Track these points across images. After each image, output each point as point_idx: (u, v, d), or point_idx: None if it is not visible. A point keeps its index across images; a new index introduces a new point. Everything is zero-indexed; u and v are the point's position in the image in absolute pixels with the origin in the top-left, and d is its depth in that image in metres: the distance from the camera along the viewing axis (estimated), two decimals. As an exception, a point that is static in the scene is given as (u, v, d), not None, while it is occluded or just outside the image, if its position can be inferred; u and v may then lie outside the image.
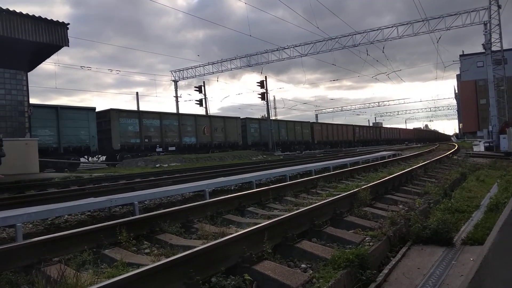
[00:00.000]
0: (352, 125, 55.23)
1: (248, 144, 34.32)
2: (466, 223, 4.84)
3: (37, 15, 12.52)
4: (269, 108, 38.70)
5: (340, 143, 49.05)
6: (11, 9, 11.95)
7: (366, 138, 57.56)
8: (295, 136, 40.64)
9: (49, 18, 12.85)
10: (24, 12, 12.24)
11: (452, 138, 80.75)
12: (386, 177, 8.21)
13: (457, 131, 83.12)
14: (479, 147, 25.97)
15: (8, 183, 11.05)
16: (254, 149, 33.15)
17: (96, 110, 22.43)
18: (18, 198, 8.02)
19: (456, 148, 24.25)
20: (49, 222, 5.94)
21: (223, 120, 32.08)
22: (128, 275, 2.53)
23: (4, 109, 15.51)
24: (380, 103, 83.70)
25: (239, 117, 34.11)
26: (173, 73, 41.35)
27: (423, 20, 28.99)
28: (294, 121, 42.44)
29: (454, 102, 76.45)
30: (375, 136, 61.65)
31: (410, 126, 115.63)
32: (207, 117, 31.63)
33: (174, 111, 37.97)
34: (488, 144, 25.04)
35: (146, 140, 24.86)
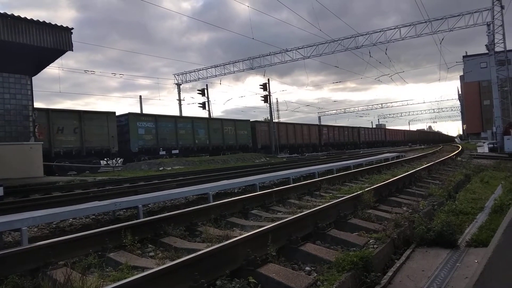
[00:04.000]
0: (317, 124, 46.40)
1: (134, 151, 24.15)
2: (470, 225, 4.83)
3: (41, 20, 12.64)
4: (272, 110, 38.74)
5: (301, 148, 40.39)
6: (16, 13, 12.08)
7: (339, 141, 48.27)
8: (224, 139, 31.22)
9: (55, 22, 12.97)
10: (29, 16, 12.35)
11: (456, 139, 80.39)
12: (389, 179, 8.20)
13: (461, 132, 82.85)
14: (483, 149, 25.89)
15: (13, 187, 11.12)
16: (147, 158, 23.87)
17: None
18: (23, 202, 8.07)
19: (460, 149, 24.16)
20: (54, 225, 5.98)
21: (77, 117, 21.12)
22: (134, 278, 2.55)
23: (9, 113, 15.62)
24: (383, 104, 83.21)
25: (114, 112, 23.34)
26: (176, 77, 41.50)
27: (425, 22, 28.99)
28: (222, 119, 32.92)
29: (458, 103, 76.27)
30: (352, 138, 51.93)
31: (414, 127, 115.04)
32: (44, 111, 19.87)
33: (177, 114, 37.97)
34: (492, 145, 24.97)
35: None
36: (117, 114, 23.87)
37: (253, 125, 35.28)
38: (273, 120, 38.67)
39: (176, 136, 27.25)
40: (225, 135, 31.47)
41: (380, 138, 61.53)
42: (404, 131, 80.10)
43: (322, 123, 66.63)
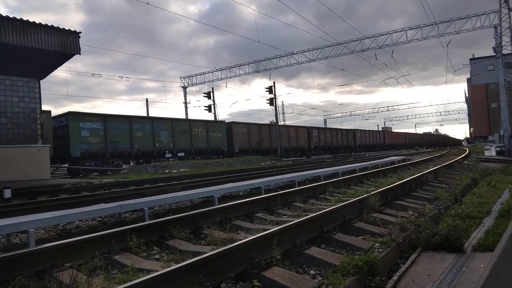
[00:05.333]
0: (306, 126, 42.30)
1: (74, 156, 20.70)
2: (477, 229, 4.79)
3: (50, 24, 12.80)
4: (278, 113, 38.70)
5: (287, 152, 36.82)
6: (25, 17, 12.27)
7: (331, 144, 44.67)
8: (192, 142, 27.69)
9: (63, 26, 13.18)
10: (38, 20, 12.56)
11: (462, 142, 79.73)
12: (395, 182, 8.16)
13: (468, 136, 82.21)
14: (491, 152, 25.64)
15: (20, 189, 11.22)
16: (92, 164, 21.30)
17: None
18: (31, 204, 8.15)
19: (467, 152, 23.97)
20: (60, 227, 6.03)
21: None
22: (139, 280, 2.56)
23: (17, 116, 15.82)
24: (389, 107, 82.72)
25: (49, 111, 20.69)
26: (183, 80, 41.69)
27: (432, 24, 28.86)
28: (190, 120, 29.30)
29: (465, 106, 75.78)
30: (346, 141, 48.66)
31: (420, 130, 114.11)
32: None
33: (184, 117, 38.05)
34: (499, 149, 24.75)
35: None
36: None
37: (230, 127, 31.64)
38: (279, 123, 38.56)
39: (130, 138, 23.63)
40: (194, 137, 27.97)
41: (378, 141, 57.90)
42: (406, 133, 75.84)
43: (327, 126, 66.30)
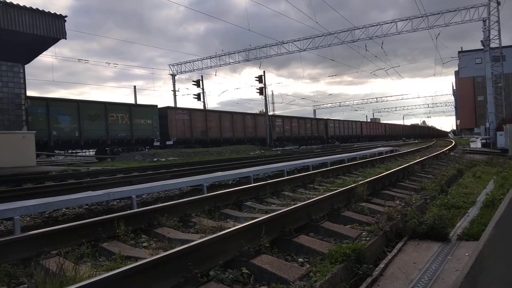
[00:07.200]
0: (269, 114, 37.46)
1: None
2: (462, 219, 4.89)
3: (34, 7, 12.47)
4: (267, 103, 38.59)
5: (243, 143, 31.94)
6: (8, 0, 11.87)
7: (298, 135, 40.94)
8: (109, 130, 22.70)
9: (50, 9, 12.88)
10: (23, 3, 12.19)
11: (449, 134, 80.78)
12: (383, 172, 8.24)
13: (455, 128, 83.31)
14: (476, 144, 26.11)
15: (5, 176, 11.03)
16: None
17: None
18: (16, 191, 8.02)
19: (453, 144, 24.33)
20: (46, 215, 5.95)
21: None
22: (127, 268, 2.54)
23: (1, 101, 15.45)
24: (378, 99, 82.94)
25: None
26: (172, 67, 41.23)
27: (422, 16, 28.97)
28: (106, 103, 23.07)
29: (452, 98, 76.59)
30: (317, 132, 44.91)
31: (408, 122, 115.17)
32: None
33: (172, 104, 37.67)
34: (485, 141, 25.22)
35: None
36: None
37: (164, 113, 26.65)
38: (268, 113, 38.46)
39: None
40: (111, 125, 22.87)
41: (354, 132, 53.65)
42: (385, 124, 70.64)
43: (317, 117, 66.30)
